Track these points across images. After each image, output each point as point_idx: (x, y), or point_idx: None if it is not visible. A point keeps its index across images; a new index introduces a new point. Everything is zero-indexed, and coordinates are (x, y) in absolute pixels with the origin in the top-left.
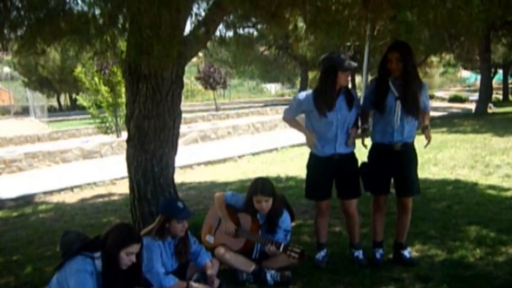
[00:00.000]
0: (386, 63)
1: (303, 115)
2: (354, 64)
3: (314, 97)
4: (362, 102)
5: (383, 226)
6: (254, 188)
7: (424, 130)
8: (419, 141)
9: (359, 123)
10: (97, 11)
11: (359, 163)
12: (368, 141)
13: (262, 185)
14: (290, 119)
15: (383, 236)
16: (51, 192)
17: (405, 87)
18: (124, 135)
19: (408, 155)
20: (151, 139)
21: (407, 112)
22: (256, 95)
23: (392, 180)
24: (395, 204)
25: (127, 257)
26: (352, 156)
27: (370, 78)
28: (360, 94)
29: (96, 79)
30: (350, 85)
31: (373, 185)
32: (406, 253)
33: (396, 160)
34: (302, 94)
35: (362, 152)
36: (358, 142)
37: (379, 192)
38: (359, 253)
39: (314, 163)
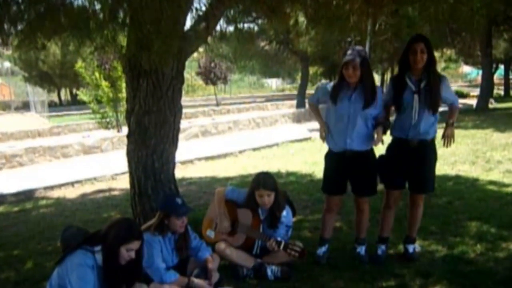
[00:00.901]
0: (407, 57)
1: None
2: (354, 59)
3: (331, 86)
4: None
5: (391, 223)
6: (256, 182)
7: (447, 128)
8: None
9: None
10: (98, 6)
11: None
12: (385, 139)
13: (264, 179)
14: (312, 104)
15: (390, 232)
16: (51, 187)
17: (425, 80)
18: (125, 130)
19: (424, 153)
20: (152, 135)
21: (425, 106)
22: (257, 90)
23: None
24: (401, 200)
25: (126, 253)
26: (367, 154)
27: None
28: None
29: (97, 74)
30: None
31: (386, 179)
32: (410, 248)
33: (412, 156)
34: (324, 82)
35: (379, 148)
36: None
37: (392, 186)
38: (361, 249)
39: (328, 157)
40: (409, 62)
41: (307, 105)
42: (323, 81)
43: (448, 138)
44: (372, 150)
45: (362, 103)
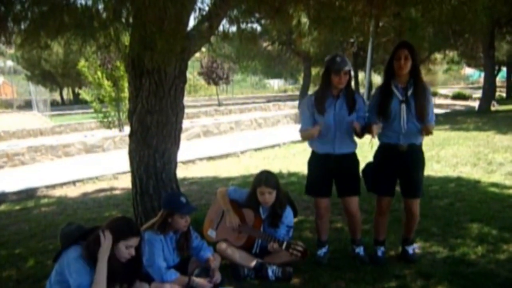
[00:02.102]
0: (392, 64)
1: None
2: (345, 66)
3: (314, 97)
4: (368, 114)
5: (385, 228)
6: (258, 180)
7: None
8: (445, 146)
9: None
10: (101, 6)
11: (365, 162)
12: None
13: (266, 177)
14: (305, 131)
15: (385, 236)
16: (53, 186)
17: (411, 87)
18: (127, 129)
19: (415, 156)
20: (154, 134)
21: (413, 114)
22: (259, 90)
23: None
24: (397, 201)
25: (126, 250)
26: (352, 156)
27: (373, 74)
28: (362, 91)
29: (99, 73)
30: (353, 83)
31: (377, 186)
32: (410, 249)
33: (402, 161)
34: (305, 100)
35: (366, 152)
36: (359, 140)
37: (383, 193)
38: (360, 250)
39: (313, 159)
40: (393, 69)
41: None
42: (303, 100)
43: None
44: (355, 153)
45: (346, 109)
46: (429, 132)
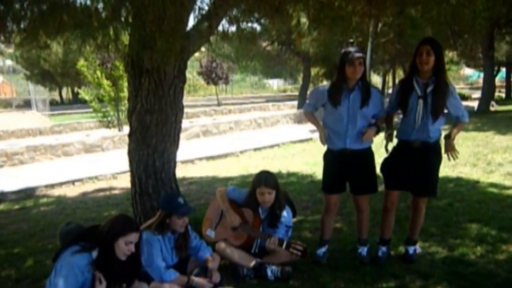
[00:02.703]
0: (415, 60)
1: (321, 110)
2: (359, 54)
3: (328, 89)
4: (387, 105)
5: (392, 225)
6: (257, 180)
7: (446, 141)
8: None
9: (383, 125)
10: (100, 5)
11: (376, 159)
12: (391, 144)
13: (266, 177)
14: (308, 113)
15: (390, 234)
16: (52, 186)
17: (432, 84)
18: (126, 129)
19: (428, 155)
20: (153, 134)
21: (429, 111)
22: (258, 90)
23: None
24: (400, 201)
25: (126, 247)
26: (366, 152)
27: (373, 75)
28: None
29: (98, 73)
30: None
31: (389, 179)
32: (411, 249)
33: (414, 158)
34: (319, 87)
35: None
36: (375, 138)
37: (392, 187)
38: (363, 250)
39: (328, 156)
40: (416, 65)
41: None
42: (321, 84)
43: (450, 153)
44: (371, 149)
45: (360, 102)
46: (457, 129)
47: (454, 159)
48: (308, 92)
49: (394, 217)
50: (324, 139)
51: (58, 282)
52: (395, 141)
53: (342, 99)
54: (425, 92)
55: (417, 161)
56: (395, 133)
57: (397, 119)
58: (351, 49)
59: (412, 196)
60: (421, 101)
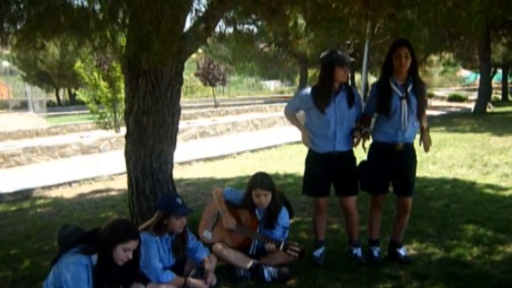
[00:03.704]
0: (390, 62)
1: (302, 112)
2: (351, 58)
3: (312, 94)
4: (364, 107)
5: (379, 224)
6: (253, 182)
7: (423, 134)
8: (441, 147)
9: (361, 126)
10: (97, 6)
11: (358, 161)
12: (368, 142)
13: (261, 179)
14: (290, 114)
15: (379, 234)
16: (49, 187)
17: (411, 84)
18: (123, 130)
19: (409, 155)
20: (150, 135)
21: (413, 111)
22: (256, 92)
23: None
24: (392, 202)
25: (124, 253)
26: (350, 154)
27: (370, 76)
28: (359, 92)
29: (96, 74)
30: (350, 83)
31: (372, 185)
32: (402, 251)
33: (397, 160)
34: (303, 91)
35: (361, 151)
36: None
37: (378, 192)
38: (357, 251)
39: (312, 158)
40: (393, 67)
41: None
42: (304, 89)
43: (426, 144)
44: (353, 151)
45: (346, 104)
46: (425, 119)
47: (428, 149)
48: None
49: (381, 217)
50: (308, 141)
51: (69, 281)
52: (370, 141)
53: (328, 104)
54: (406, 92)
55: (400, 163)
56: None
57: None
58: (339, 53)
59: (397, 198)
60: (404, 102)
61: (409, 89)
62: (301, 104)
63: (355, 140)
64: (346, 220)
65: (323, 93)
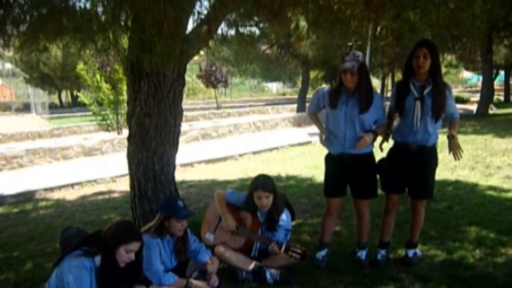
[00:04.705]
0: (411, 62)
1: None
2: (350, 64)
3: (329, 91)
4: (387, 110)
5: (392, 228)
6: (255, 184)
7: (451, 142)
8: (443, 149)
9: (381, 128)
10: (100, 8)
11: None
12: (386, 144)
13: (263, 181)
14: (311, 113)
15: (390, 237)
16: (51, 189)
17: (429, 86)
18: (125, 132)
19: (424, 159)
20: (152, 137)
21: (427, 113)
22: (258, 94)
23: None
24: (400, 204)
25: (126, 255)
26: (366, 157)
27: (372, 78)
28: None
29: (98, 76)
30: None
31: (386, 183)
32: (410, 252)
33: (411, 161)
34: (321, 89)
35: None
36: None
37: (391, 191)
38: (362, 254)
39: (328, 159)
40: (413, 67)
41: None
42: (324, 86)
43: (455, 151)
44: (371, 153)
45: (358, 108)
46: (455, 127)
47: (459, 157)
48: (308, 96)
49: (394, 219)
50: (323, 140)
51: (71, 283)
52: (391, 142)
53: (340, 103)
54: (422, 93)
55: (414, 165)
56: (391, 134)
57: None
58: (346, 57)
59: (410, 199)
60: (418, 103)
61: (426, 90)
62: (319, 101)
63: (360, 140)
64: (358, 221)
65: (335, 92)
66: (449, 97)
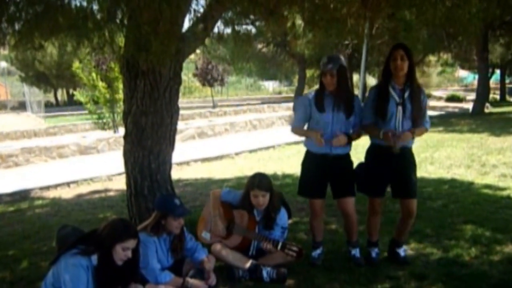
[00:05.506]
0: (388, 66)
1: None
2: (329, 67)
3: (314, 95)
4: (363, 114)
5: (378, 228)
6: (251, 183)
7: (406, 133)
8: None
9: (356, 134)
10: (96, 6)
11: (356, 163)
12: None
13: (259, 180)
14: (297, 127)
15: (377, 236)
16: (47, 188)
17: (408, 89)
18: (121, 131)
19: (407, 158)
20: (149, 135)
21: (408, 117)
22: (254, 92)
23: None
24: (390, 202)
25: (123, 252)
26: (347, 157)
27: (368, 76)
28: (357, 92)
29: (94, 75)
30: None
31: (369, 187)
32: (401, 251)
33: (395, 163)
34: (301, 98)
35: (360, 152)
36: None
37: (375, 195)
38: (356, 252)
39: (309, 160)
40: (390, 71)
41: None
42: (305, 93)
43: (398, 139)
44: (349, 154)
45: (345, 112)
46: (420, 130)
47: (395, 146)
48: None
49: (379, 221)
50: (320, 140)
51: (68, 282)
52: (366, 145)
53: (326, 106)
54: (403, 98)
55: (399, 166)
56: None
57: None
58: (324, 59)
59: (400, 201)
60: (400, 108)
61: (406, 94)
62: (306, 110)
63: (336, 138)
64: (345, 222)
65: (319, 96)
66: (423, 102)
